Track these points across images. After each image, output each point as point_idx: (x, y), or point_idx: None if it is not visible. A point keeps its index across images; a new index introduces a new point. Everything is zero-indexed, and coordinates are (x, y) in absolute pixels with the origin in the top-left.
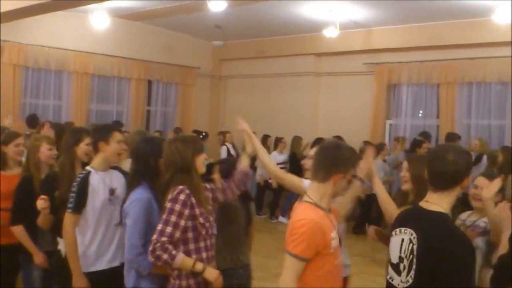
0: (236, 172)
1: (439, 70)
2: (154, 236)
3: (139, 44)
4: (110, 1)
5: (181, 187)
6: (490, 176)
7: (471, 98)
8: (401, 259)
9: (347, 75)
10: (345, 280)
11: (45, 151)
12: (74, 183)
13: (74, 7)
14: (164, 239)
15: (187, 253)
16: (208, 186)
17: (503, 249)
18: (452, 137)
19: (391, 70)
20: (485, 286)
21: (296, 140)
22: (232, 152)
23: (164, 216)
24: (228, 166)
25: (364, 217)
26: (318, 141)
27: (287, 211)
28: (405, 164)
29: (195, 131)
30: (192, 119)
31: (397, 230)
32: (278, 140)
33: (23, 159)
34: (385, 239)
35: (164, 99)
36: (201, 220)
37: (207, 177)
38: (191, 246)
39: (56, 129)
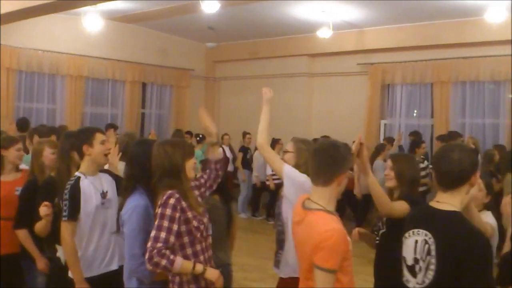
0: (210, 164)
1: (432, 70)
2: (149, 244)
3: (133, 47)
4: (103, 4)
5: (170, 191)
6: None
7: (465, 97)
8: (416, 260)
9: (341, 76)
10: None
11: (49, 155)
12: (65, 191)
13: (72, 9)
14: (159, 245)
15: (186, 258)
16: (192, 183)
17: (506, 247)
18: (453, 135)
19: (384, 70)
20: None
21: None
22: (228, 154)
23: (156, 222)
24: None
25: (363, 217)
26: (314, 141)
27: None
28: (389, 163)
29: (187, 133)
30: (186, 121)
31: (410, 232)
32: (275, 142)
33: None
34: (368, 239)
35: (159, 102)
36: (194, 223)
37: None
38: (189, 250)
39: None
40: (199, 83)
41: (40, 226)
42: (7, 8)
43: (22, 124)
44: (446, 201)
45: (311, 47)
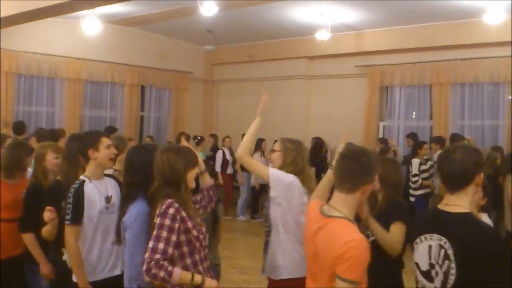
0: (202, 191)
1: (431, 72)
2: (147, 255)
3: (132, 50)
4: (102, 7)
5: (169, 200)
6: None
7: (464, 99)
8: (432, 265)
9: (339, 78)
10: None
11: (51, 160)
12: (69, 194)
13: (70, 12)
14: (157, 256)
15: (185, 268)
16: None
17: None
18: (456, 137)
19: (383, 72)
20: None
21: None
22: (228, 157)
23: (155, 232)
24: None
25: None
26: (317, 141)
27: None
28: None
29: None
30: (185, 124)
31: (421, 237)
32: (260, 142)
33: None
34: None
35: (158, 104)
36: (194, 233)
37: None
38: (188, 260)
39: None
40: (197, 86)
41: (46, 230)
42: (6, 12)
43: (19, 127)
44: (455, 203)
45: (310, 50)
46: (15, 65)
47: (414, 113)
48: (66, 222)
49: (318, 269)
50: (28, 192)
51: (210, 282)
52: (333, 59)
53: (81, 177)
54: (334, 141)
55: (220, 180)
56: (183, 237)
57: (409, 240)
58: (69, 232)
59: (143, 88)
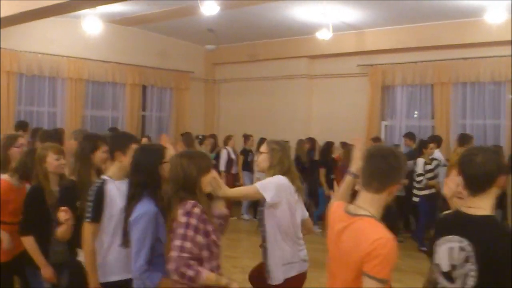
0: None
1: (433, 71)
2: (174, 253)
3: (133, 49)
4: (103, 6)
5: (193, 201)
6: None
7: (465, 98)
8: (453, 267)
9: (341, 77)
10: (301, 276)
11: (53, 161)
12: (90, 192)
13: (71, 12)
14: (185, 255)
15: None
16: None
17: None
18: (465, 137)
19: (385, 71)
20: None
21: (300, 143)
22: (233, 156)
23: (182, 231)
24: None
25: None
26: (326, 145)
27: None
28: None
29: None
30: (187, 123)
31: (443, 238)
32: (247, 137)
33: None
34: None
35: (159, 104)
36: (213, 237)
37: None
38: (206, 265)
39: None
40: (199, 85)
41: (61, 231)
42: (6, 11)
43: (21, 127)
44: (477, 206)
45: (311, 49)
46: (16, 64)
47: (415, 112)
48: (86, 220)
49: (340, 269)
50: (29, 194)
51: (235, 284)
52: (335, 59)
53: (103, 176)
54: (335, 140)
55: (224, 180)
56: (203, 240)
57: (430, 242)
58: (88, 229)
59: (144, 88)
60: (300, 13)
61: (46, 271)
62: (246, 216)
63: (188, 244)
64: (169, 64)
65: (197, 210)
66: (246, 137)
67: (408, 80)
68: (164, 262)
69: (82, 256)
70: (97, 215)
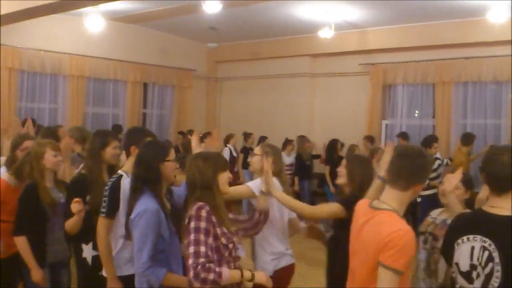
0: (255, 212)
1: (434, 70)
2: (191, 260)
3: (135, 47)
4: (105, 4)
5: (200, 203)
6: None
7: (466, 97)
8: (473, 267)
9: (343, 76)
10: (290, 268)
11: (51, 158)
12: (106, 187)
13: (72, 9)
14: (202, 260)
15: None
16: (231, 216)
17: None
18: (469, 137)
19: (386, 70)
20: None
21: (302, 140)
22: (235, 154)
23: (192, 236)
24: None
25: None
26: (331, 143)
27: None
28: (344, 161)
29: (180, 133)
30: (188, 122)
31: (464, 238)
32: (288, 142)
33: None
34: (319, 237)
35: (160, 102)
36: (223, 240)
37: None
38: (218, 269)
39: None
40: (200, 84)
41: (71, 223)
42: (6, 9)
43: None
44: (502, 206)
45: (313, 48)
46: (18, 61)
47: (416, 111)
48: (101, 215)
49: (358, 263)
50: (25, 192)
51: (260, 275)
52: (336, 57)
53: (119, 171)
54: (336, 138)
55: None
56: (213, 244)
57: (448, 241)
58: (102, 224)
59: (145, 85)
60: (302, 12)
61: (36, 274)
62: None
63: (202, 248)
64: (171, 62)
65: (204, 213)
66: (247, 135)
67: (409, 79)
68: (167, 258)
69: (86, 252)
70: (111, 210)
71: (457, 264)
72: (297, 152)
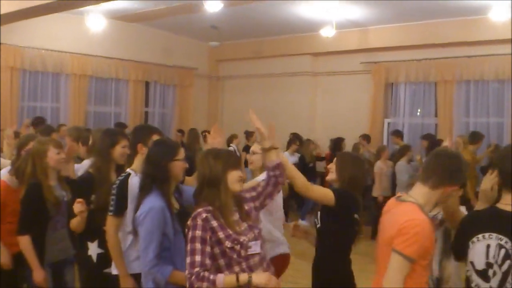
0: (267, 170)
1: (436, 69)
2: (187, 271)
3: (136, 46)
4: (106, 3)
5: (199, 210)
6: None
7: (469, 96)
8: (489, 265)
9: (344, 75)
10: (286, 257)
11: (54, 156)
12: (114, 186)
13: (75, 8)
14: (197, 269)
15: None
16: (248, 195)
17: None
18: (476, 135)
19: (388, 69)
20: (447, 276)
21: (307, 142)
22: (238, 154)
23: (188, 247)
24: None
25: None
26: (337, 141)
27: (305, 215)
28: (335, 159)
29: (179, 131)
30: (190, 120)
31: (479, 236)
32: (293, 141)
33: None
34: (306, 236)
35: (162, 101)
36: (227, 243)
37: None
38: (227, 273)
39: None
40: (202, 82)
41: (75, 222)
42: (6, 8)
43: (39, 124)
44: None
45: (315, 46)
46: (20, 60)
47: (419, 110)
48: (110, 213)
49: (379, 252)
50: (28, 191)
51: (258, 276)
52: (338, 56)
53: (128, 170)
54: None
55: None
56: (216, 249)
57: (461, 239)
58: (111, 223)
59: (147, 84)
60: (304, 10)
61: (38, 274)
62: None
63: (197, 258)
64: (172, 61)
65: (199, 221)
66: (248, 134)
67: (411, 78)
68: (171, 256)
69: (92, 251)
70: (119, 209)
71: (472, 262)
72: (301, 153)
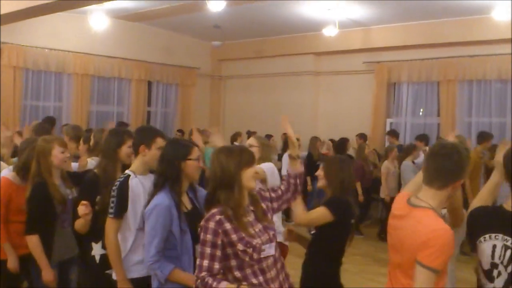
0: (289, 177)
1: (439, 68)
2: (195, 273)
3: (139, 45)
4: (109, 2)
5: (212, 211)
6: None
7: (471, 96)
8: (494, 265)
9: (347, 74)
10: (284, 247)
11: (58, 154)
12: (114, 187)
13: (75, 8)
14: (203, 274)
15: (236, 281)
16: (267, 195)
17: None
18: (484, 135)
19: (391, 68)
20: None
21: (313, 141)
22: None
23: (199, 249)
24: None
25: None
26: (341, 141)
27: None
28: (322, 165)
29: (179, 131)
30: (192, 120)
31: (486, 236)
32: (252, 134)
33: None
34: (300, 240)
35: (164, 100)
36: (240, 246)
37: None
38: (237, 273)
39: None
40: (204, 82)
41: (79, 224)
42: (6, 8)
43: (49, 124)
44: None
45: (317, 46)
46: (22, 59)
47: (421, 110)
48: (109, 215)
49: (395, 255)
50: (33, 191)
51: None
52: (341, 55)
53: (127, 171)
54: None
55: None
56: (229, 250)
57: (470, 237)
58: (110, 225)
59: (150, 84)
60: (306, 10)
61: (48, 274)
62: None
63: (205, 263)
64: (175, 60)
65: (211, 225)
66: (250, 134)
67: (414, 78)
68: (177, 255)
69: (96, 251)
70: (119, 211)
71: (480, 262)
72: (308, 151)
